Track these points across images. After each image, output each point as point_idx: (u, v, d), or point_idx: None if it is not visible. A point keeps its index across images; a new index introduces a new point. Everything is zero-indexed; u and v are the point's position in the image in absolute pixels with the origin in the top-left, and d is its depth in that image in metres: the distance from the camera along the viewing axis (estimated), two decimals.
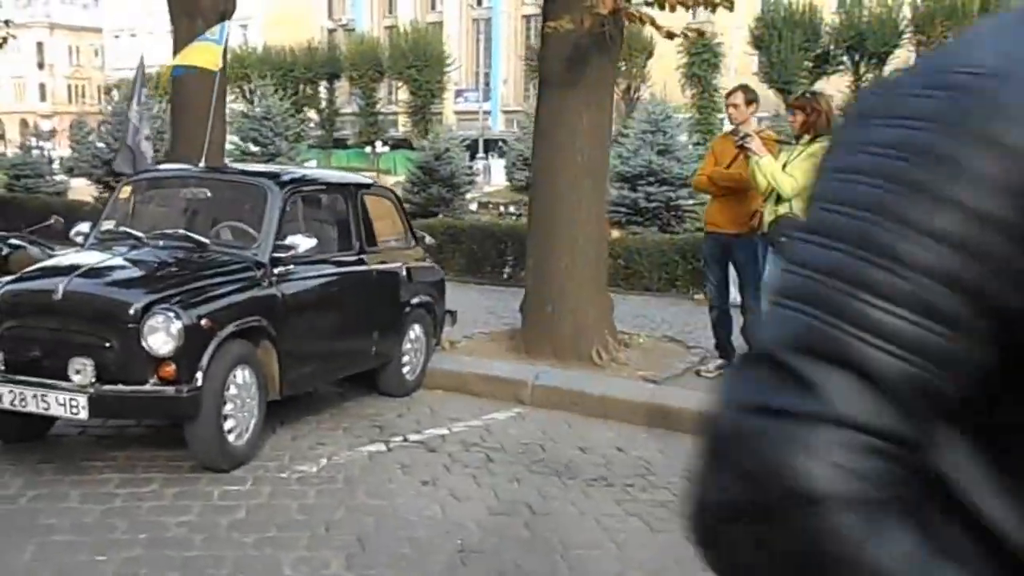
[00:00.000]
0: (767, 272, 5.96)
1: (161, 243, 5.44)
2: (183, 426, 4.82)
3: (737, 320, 6.72)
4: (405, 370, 6.53)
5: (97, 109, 45.73)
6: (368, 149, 37.82)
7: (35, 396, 4.65)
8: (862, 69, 43.48)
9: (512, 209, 22.51)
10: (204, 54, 7.03)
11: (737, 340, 6.76)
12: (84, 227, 5.91)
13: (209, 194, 5.93)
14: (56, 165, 28.08)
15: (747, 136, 6.05)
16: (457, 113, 48.05)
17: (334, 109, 45.46)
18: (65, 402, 4.60)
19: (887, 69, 43.22)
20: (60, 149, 37.25)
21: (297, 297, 5.43)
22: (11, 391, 4.69)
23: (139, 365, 4.64)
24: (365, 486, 4.77)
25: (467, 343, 7.55)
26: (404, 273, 6.52)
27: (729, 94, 6.69)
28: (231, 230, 5.64)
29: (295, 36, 48.11)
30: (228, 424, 4.85)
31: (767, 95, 41.36)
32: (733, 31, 44.23)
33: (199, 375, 4.67)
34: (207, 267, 5.23)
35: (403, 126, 46.82)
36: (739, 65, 44.60)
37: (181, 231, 5.53)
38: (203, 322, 4.72)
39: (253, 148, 21.23)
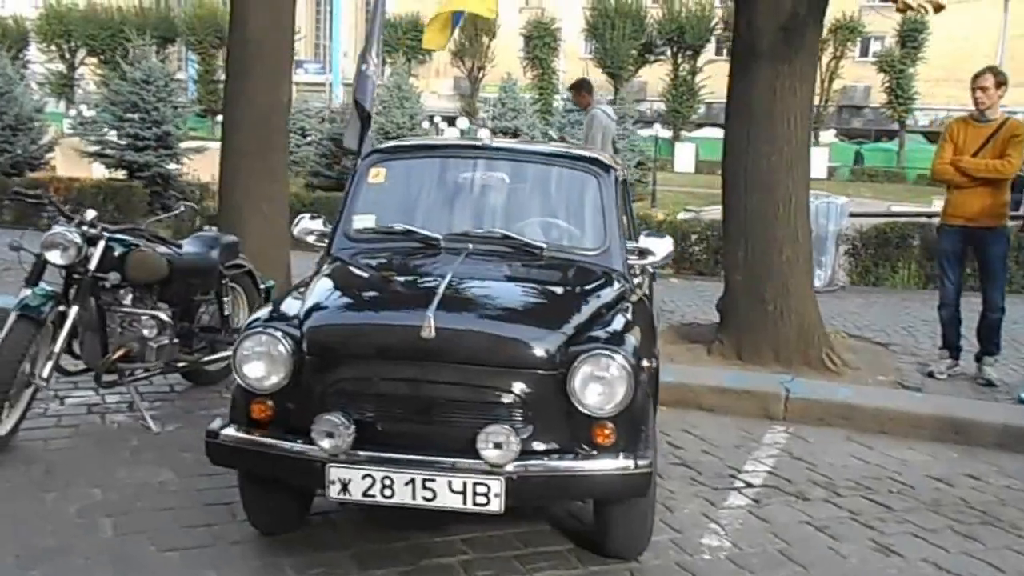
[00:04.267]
0: None
1: (471, 247, 3.62)
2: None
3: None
4: None
5: None
6: (220, 118, 34.14)
7: (411, 482, 2.87)
8: (679, 60, 44.34)
9: None
10: None
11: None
12: (312, 222, 3.98)
13: (507, 180, 4.05)
14: None
15: None
16: (297, 84, 44.72)
17: (168, 75, 41.15)
18: (466, 489, 2.85)
19: (700, 60, 44.27)
20: None
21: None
22: (367, 476, 2.88)
23: (565, 429, 2.97)
24: (838, 565, 3.36)
25: None
26: None
27: (976, 76, 5.57)
28: (548, 228, 3.90)
29: None
30: None
31: (600, 79, 41.39)
32: (568, 19, 43.74)
33: (644, 436, 3.07)
34: (576, 283, 3.56)
35: None
36: (570, 50, 44.29)
37: (498, 230, 3.75)
38: (644, 363, 3.08)
39: (130, 115, 17.97)
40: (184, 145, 16.71)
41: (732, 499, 3.95)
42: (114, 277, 4.52)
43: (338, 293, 3.44)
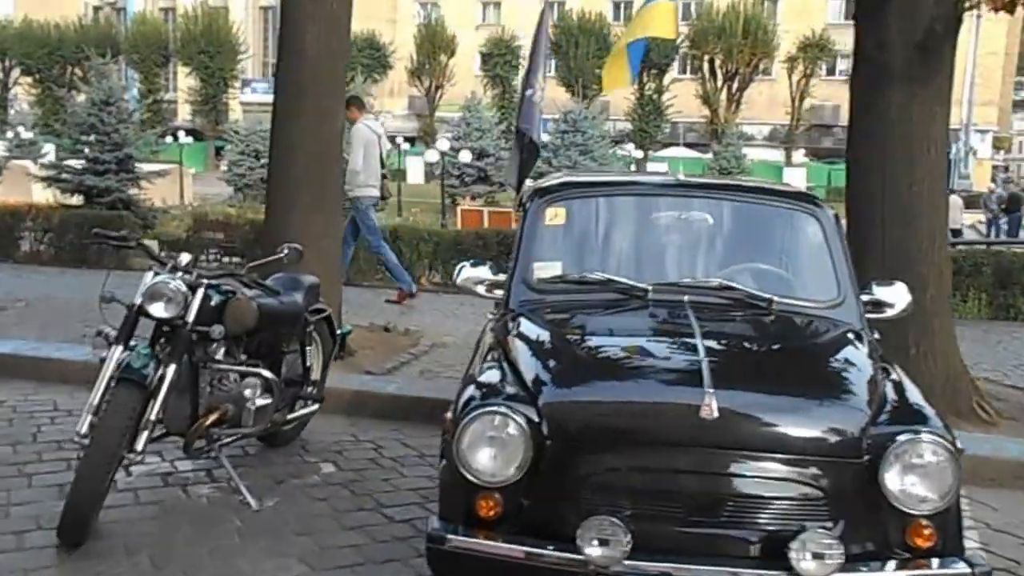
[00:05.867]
0: None
1: (686, 299, 3.17)
2: None
3: None
4: None
5: None
6: (169, 139, 33.24)
7: None
8: (645, 79, 44.69)
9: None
10: (663, 17, 4.78)
11: None
12: (476, 270, 3.54)
13: (710, 220, 3.63)
14: None
15: None
16: (243, 104, 43.87)
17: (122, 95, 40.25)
18: None
19: (665, 79, 44.64)
20: None
21: None
22: None
23: (873, 530, 2.54)
24: None
25: None
26: None
27: None
28: (763, 276, 3.44)
29: (53, 11, 41.69)
30: None
31: (563, 97, 41.47)
32: (528, 36, 43.80)
33: (962, 532, 2.64)
34: (832, 345, 3.16)
35: (187, 115, 42.10)
36: None
37: (715, 280, 3.31)
38: (959, 445, 2.65)
39: (88, 138, 17.07)
40: (147, 168, 16.08)
41: None
42: (218, 331, 4.01)
43: (563, 361, 2.96)
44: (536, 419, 2.57)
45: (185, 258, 4.02)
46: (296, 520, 3.92)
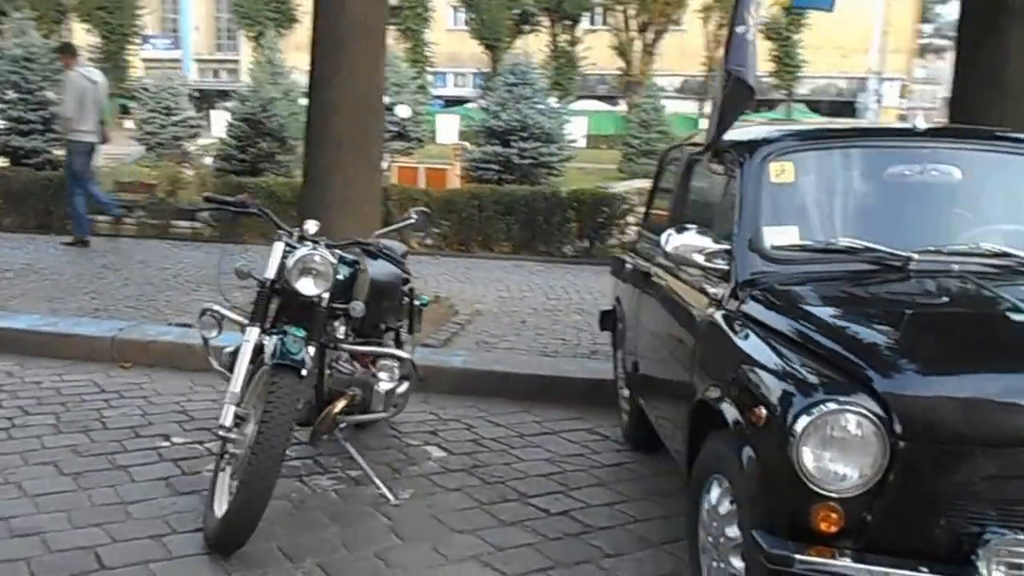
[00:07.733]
0: None
1: (955, 267, 2.81)
2: None
3: None
4: None
5: None
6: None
7: None
8: (558, 30, 44.17)
9: None
10: None
11: None
12: (690, 236, 2.97)
13: (959, 176, 3.17)
14: None
15: None
16: (145, 61, 41.53)
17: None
18: None
19: (578, 30, 44.21)
20: None
21: None
22: None
23: None
24: None
25: None
26: None
27: None
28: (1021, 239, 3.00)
29: None
30: None
31: (475, 50, 40.55)
32: None
33: None
34: None
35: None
36: (439, 19, 43.30)
37: (988, 245, 2.90)
38: None
39: (11, 95, 15.97)
40: None
41: None
42: (358, 308, 3.60)
43: (882, 344, 2.49)
44: (884, 415, 2.18)
45: (312, 226, 3.56)
46: (445, 515, 3.57)
